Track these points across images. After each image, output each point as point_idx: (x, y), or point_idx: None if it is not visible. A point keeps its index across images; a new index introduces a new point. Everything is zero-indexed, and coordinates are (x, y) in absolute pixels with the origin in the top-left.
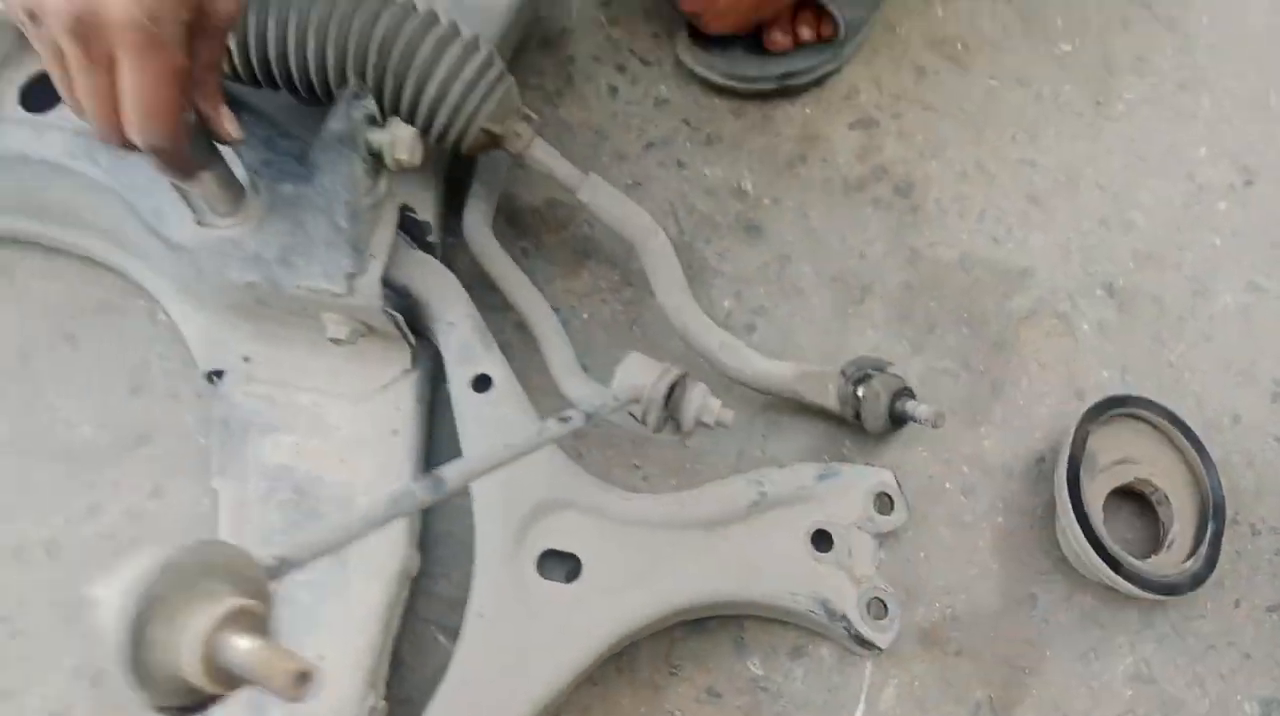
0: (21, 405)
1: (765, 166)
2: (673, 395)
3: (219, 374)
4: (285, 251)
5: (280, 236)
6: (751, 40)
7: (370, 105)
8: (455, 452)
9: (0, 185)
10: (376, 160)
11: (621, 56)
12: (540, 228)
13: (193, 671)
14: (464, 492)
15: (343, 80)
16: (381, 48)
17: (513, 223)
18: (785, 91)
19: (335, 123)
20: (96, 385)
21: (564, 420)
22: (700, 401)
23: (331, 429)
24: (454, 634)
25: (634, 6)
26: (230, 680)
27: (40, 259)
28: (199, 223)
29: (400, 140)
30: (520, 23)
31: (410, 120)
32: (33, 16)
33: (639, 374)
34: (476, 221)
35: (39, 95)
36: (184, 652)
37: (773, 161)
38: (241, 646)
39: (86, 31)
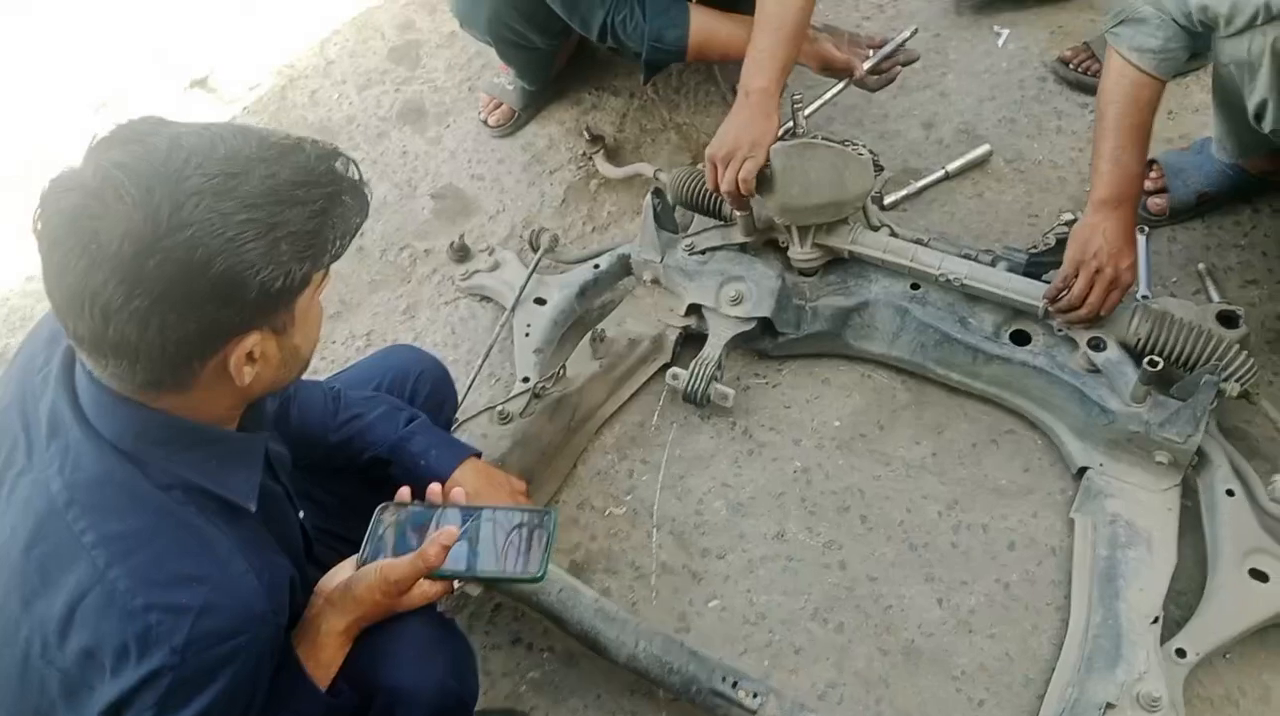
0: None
1: None
2: None
3: (1082, 470)
4: (1159, 419)
5: (1158, 410)
6: None
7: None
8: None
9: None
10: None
11: None
12: None
13: None
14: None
15: None
16: None
17: None
18: None
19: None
20: (980, 479)
21: None
22: None
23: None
24: None
25: None
26: None
27: (943, 393)
28: (1127, 402)
29: None
30: None
31: None
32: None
33: None
34: None
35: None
36: None
37: None
38: None
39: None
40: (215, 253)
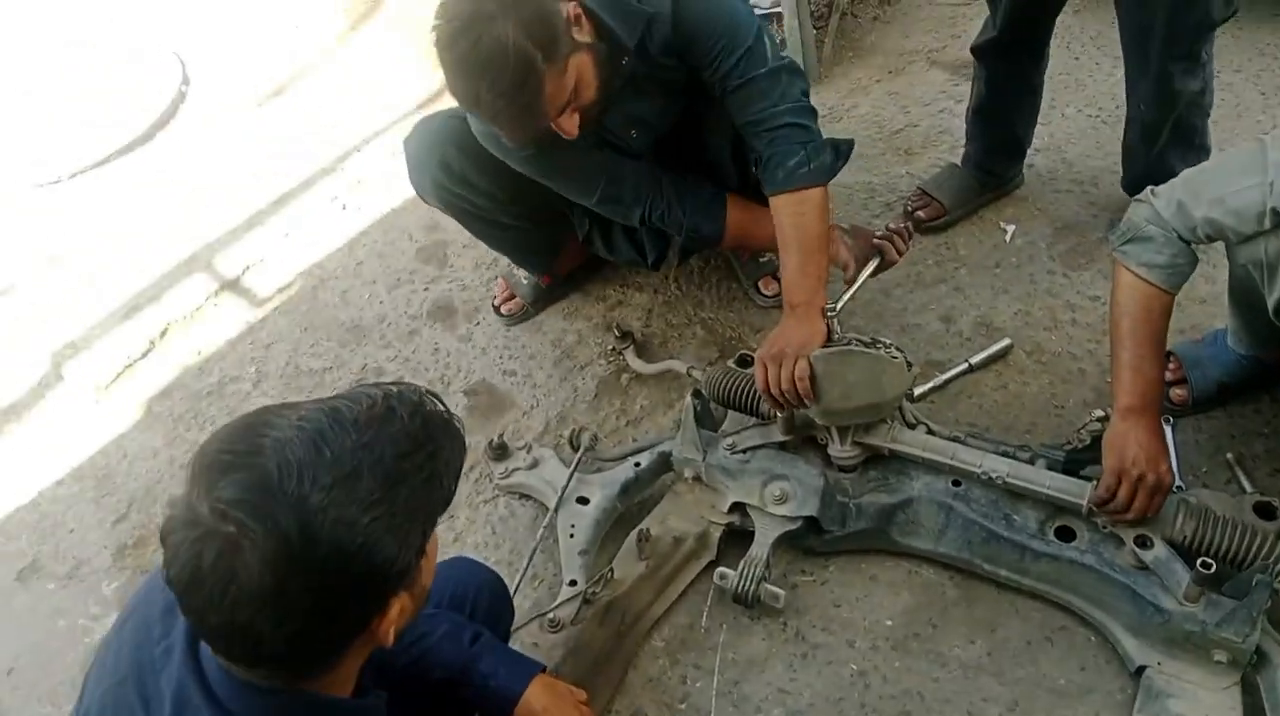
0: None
1: None
2: None
3: (1141, 669)
4: (1214, 619)
5: (1212, 609)
6: None
7: None
8: None
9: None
10: None
11: None
12: None
13: None
14: None
15: None
16: None
17: None
18: None
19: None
20: (1039, 679)
21: None
22: None
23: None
24: None
25: None
26: None
27: (990, 588)
28: (1180, 601)
29: None
30: None
31: None
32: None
33: None
34: None
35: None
36: None
37: None
38: None
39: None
40: (352, 556)
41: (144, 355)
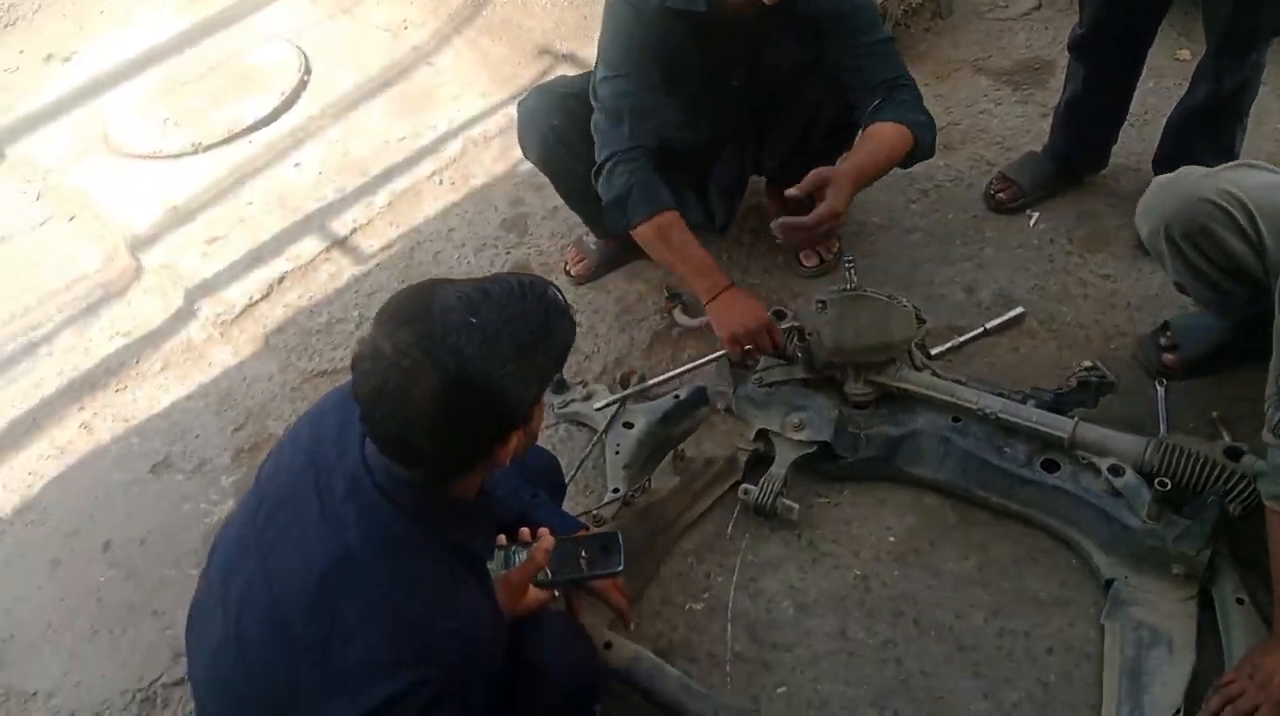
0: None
1: None
2: None
3: (1110, 582)
4: (1173, 534)
5: (1172, 527)
6: None
7: None
8: None
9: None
10: None
11: None
12: None
13: None
14: None
15: None
16: None
17: None
18: None
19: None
20: (1022, 591)
21: None
22: None
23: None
24: None
25: None
26: None
27: (987, 515)
28: (1144, 520)
29: None
30: None
31: None
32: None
33: None
34: None
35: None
36: None
37: None
38: None
39: None
40: (496, 395)
41: (264, 297)
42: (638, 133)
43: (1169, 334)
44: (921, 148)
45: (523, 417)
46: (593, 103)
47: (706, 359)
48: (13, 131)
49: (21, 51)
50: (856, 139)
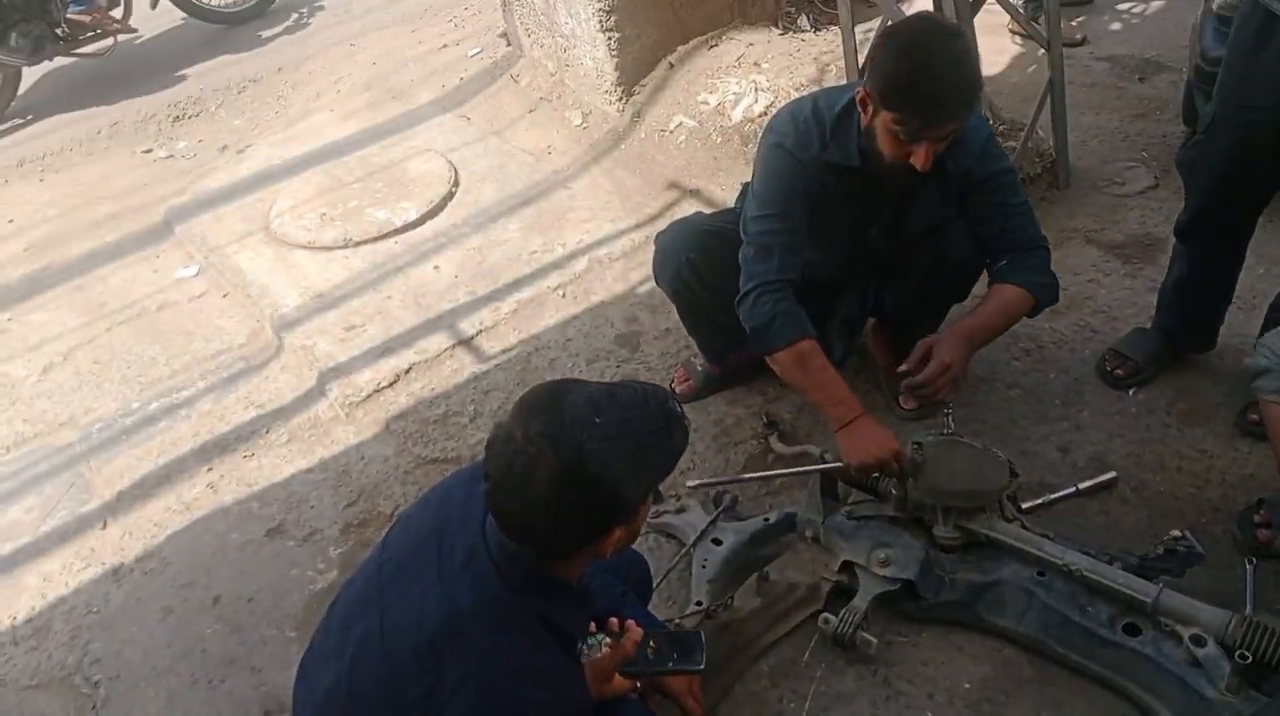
0: None
1: None
2: None
3: None
4: (1250, 710)
5: (1250, 702)
6: None
7: None
8: None
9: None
10: None
11: None
12: None
13: None
14: None
15: None
16: None
17: None
18: None
19: None
20: None
21: None
22: None
23: None
24: None
25: None
26: None
27: (1063, 673)
28: (1221, 693)
29: None
30: None
31: None
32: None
33: None
34: None
35: None
36: None
37: None
38: None
39: None
40: (609, 489)
41: (390, 385)
42: (784, 267)
43: (1264, 511)
44: (1041, 305)
45: (629, 514)
46: (743, 236)
47: (808, 469)
48: (184, 210)
49: (201, 140)
50: (981, 294)
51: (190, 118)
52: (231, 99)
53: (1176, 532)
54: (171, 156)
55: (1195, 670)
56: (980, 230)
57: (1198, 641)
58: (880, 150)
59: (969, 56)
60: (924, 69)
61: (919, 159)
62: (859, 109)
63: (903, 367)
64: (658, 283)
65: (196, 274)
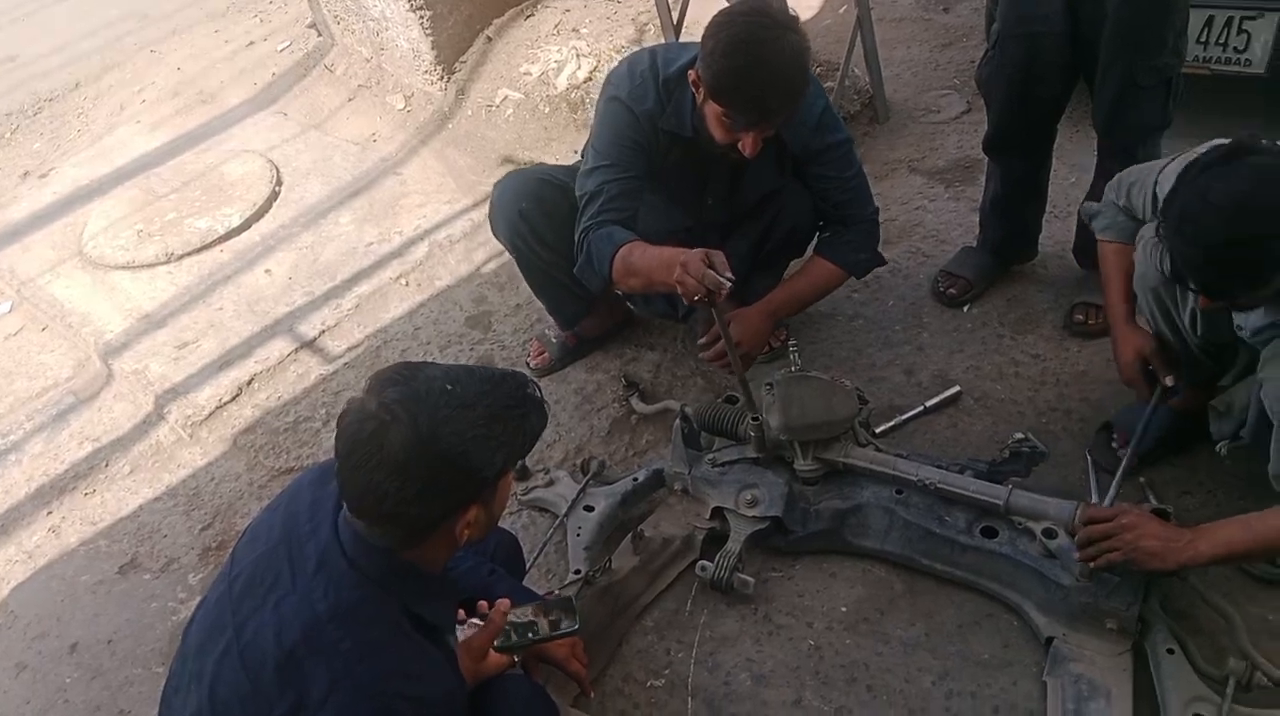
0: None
1: None
2: None
3: (1049, 640)
4: (1104, 591)
5: (1103, 584)
6: None
7: None
8: None
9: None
10: None
11: None
12: None
13: None
14: None
15: None
16: None
17: None
18: None
19: None
20: (967, 654)
21: None
22: None
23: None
24: None
25: None
26: None
27: (932, 582)
28: (1077, 579)
29: None
30: None
31: None
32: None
33: None
34: None
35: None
36: None
37: None
38: None
39: None
40: (457, 456)
41: (233, 398)
42: (606, 209)
43: (1117, 433)
44: (857, 276)
45: (486, 486)
46: (577, 194)
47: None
48: None
49: None
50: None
51: None
52: (27, 122)
53: (1020, 435)
54: None
55: (1050, 561)
56: (816, 200)
57: (1049, 534)
58: (710, 132)
59: (799, 55)
60: (753, 69)
61: (746, 147)
62: (692, 87)
63: (701, 341)
64: (495, 236)
65: (10, 310)
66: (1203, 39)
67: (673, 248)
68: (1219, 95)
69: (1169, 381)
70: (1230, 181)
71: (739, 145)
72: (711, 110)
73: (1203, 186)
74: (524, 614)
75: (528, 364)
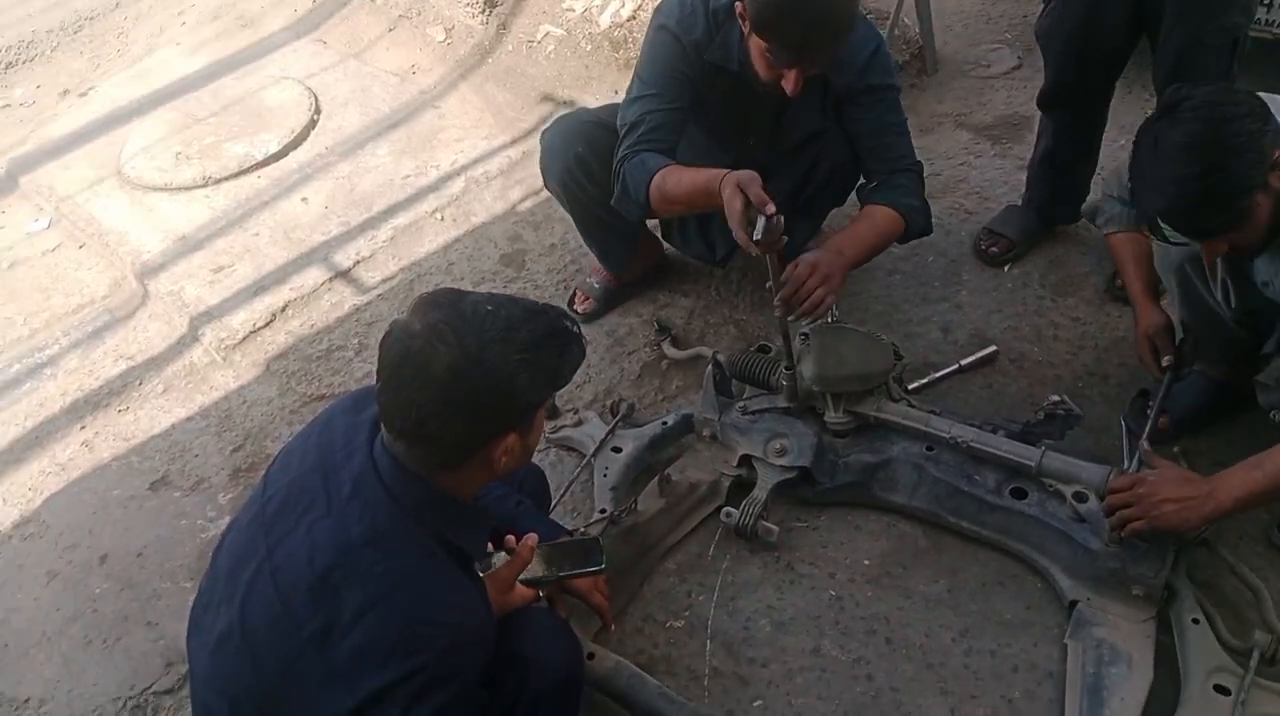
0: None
1: None
2: None
3: (1073, 603)
4: (1132, 557)
5: (1131, 550)
6: None
7: None
8: None
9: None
10: None
11: None
12: None
13: None
14: None
15: None
16: None
17: None
18: None
19: None
20: (989, 613)
21: None
22: None
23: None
24: None
25: None
26: None
27: (957, 540)
28: (1105, 544)
29: None
30: None
31: None
32: None
33: None
34: None
35: None
36: None
37: None
38: None
39: None
40: (501, 380)
41: (267, 324)
42: (643, 139)
43: (1152, 401)
44: (913, 230)
45: (524, 416)
46: (618, 123)
47: None
48: (27, 161)
49: (39, 86)
50: (854, 211)
51: (24, 63)
52: (68, 40)
53: (1055, 397)
54: (8, 105)
55: (1080, 525)
56: (857, 145)
57: (1080, 498)
58: (754, 67)
59: None
60: (797, 5)
61: (788, 84)
62: (739, 20)
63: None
64: (546, 184)
65: (48, 227)
66: (1266, 1)
67: (713, 169)
68: None
69: (1165, 362)
70: (1175, 128)
71: (782, 82)
72: (755, 45)
73: (1152, 140)
74: (551, 549)
75: (574, 310)
